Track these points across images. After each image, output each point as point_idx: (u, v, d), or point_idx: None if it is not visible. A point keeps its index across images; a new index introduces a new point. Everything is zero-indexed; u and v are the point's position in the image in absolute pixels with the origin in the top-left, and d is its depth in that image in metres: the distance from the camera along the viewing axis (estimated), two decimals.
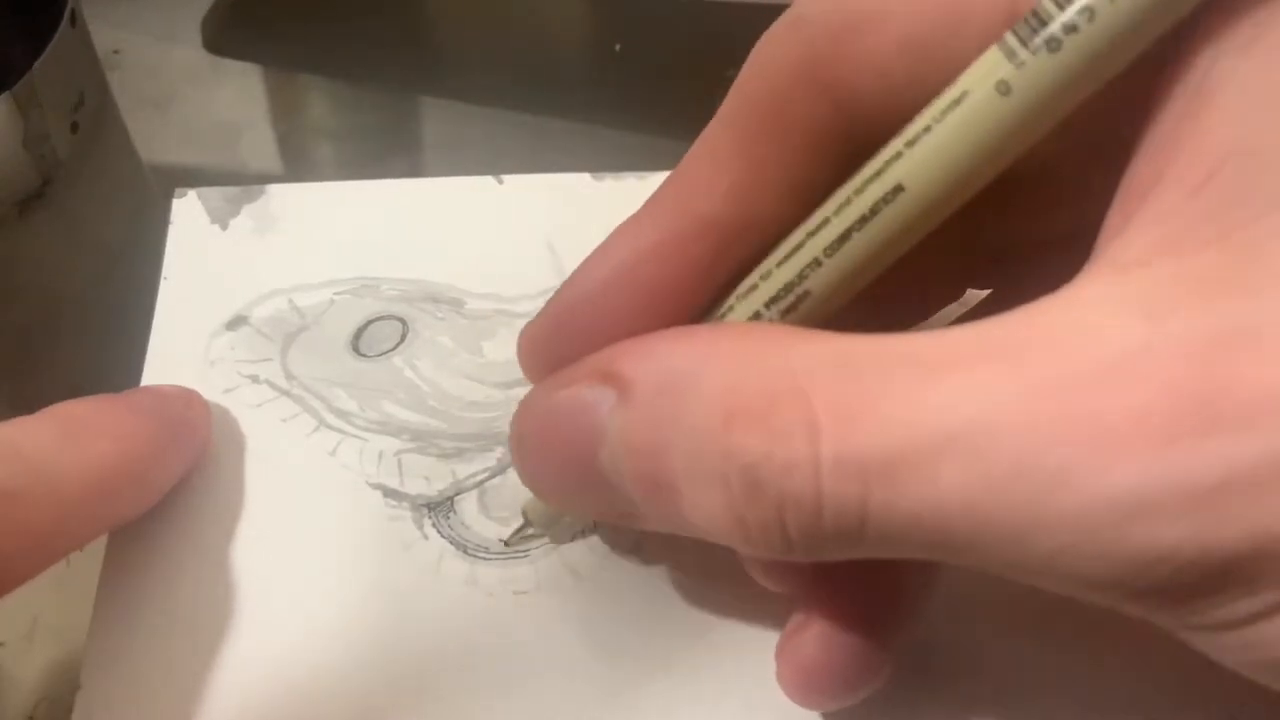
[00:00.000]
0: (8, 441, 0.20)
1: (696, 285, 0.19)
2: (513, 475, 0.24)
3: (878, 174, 0.17)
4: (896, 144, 0.17)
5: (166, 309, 0.26)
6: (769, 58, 0.19)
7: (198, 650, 0.22)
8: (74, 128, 0.34)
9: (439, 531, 0.23)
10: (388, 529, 0.23)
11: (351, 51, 0.41)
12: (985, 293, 0.23)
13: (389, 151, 0.40)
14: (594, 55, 0.41)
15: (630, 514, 0.18)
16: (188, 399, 0.24)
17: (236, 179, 0.38)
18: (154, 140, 0.38)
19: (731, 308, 0.19)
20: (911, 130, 0.16)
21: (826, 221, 0.18)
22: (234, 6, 0.42)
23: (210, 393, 0.25)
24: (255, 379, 0.25)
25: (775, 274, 0.18)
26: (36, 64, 0.31)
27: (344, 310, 0.26)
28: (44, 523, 0.20)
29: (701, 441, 0.16)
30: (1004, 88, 0.15)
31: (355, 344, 0.26)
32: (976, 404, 0.14)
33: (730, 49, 0.38)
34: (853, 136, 0.18)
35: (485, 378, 0.26)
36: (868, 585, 0.20)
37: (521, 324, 0.26)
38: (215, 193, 0.28)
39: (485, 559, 0.23)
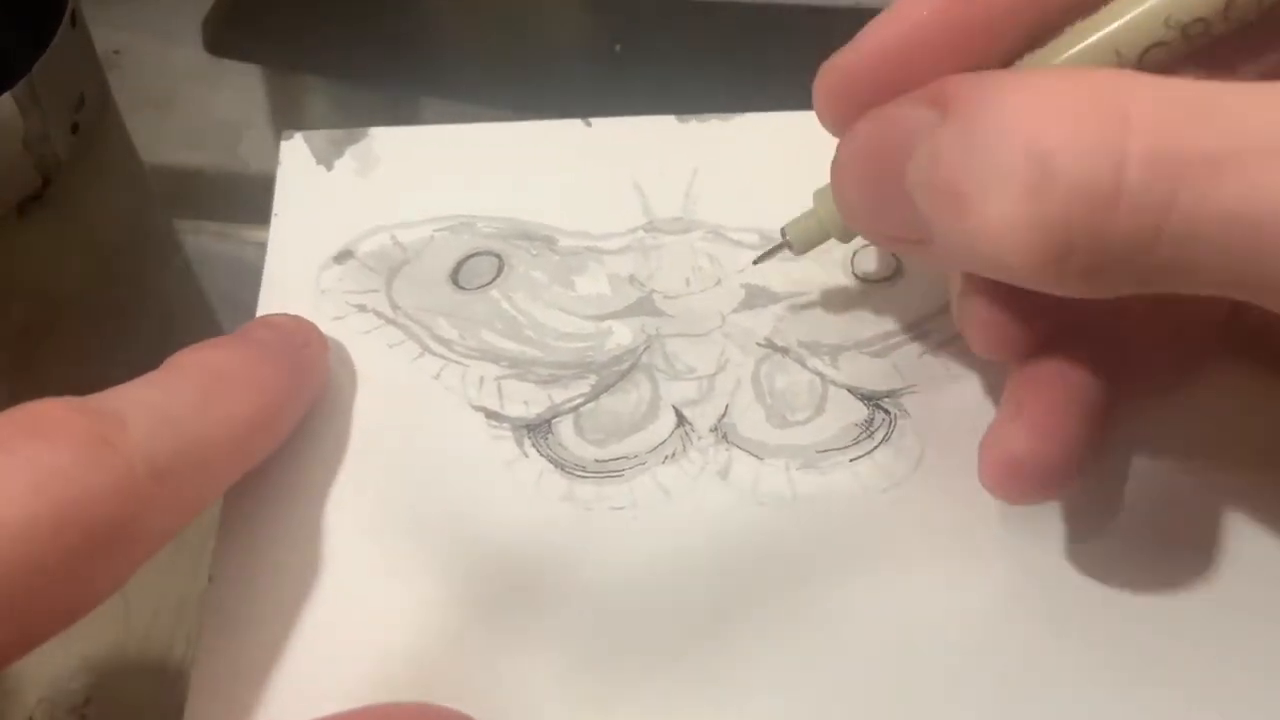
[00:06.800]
0: (156, 407, 0.19)
1: (1018, 21, 0.19)
2: (605, 401, 0.25)
3: None
4: None
5: (278, 243, 0.28)
6: None
7: (316, 565, 0.23)
8: (74, 128, 0.34)
9: (538, 450, 0.25)
10: (491, 447, 0.25)
11: (351, 51, 0.41)
12: None
13: None
14: (594, 55, 0.41)
15: (920, 239, 0.19)
16: (307, 335, 0.25)
17: (237, 179, 0.38)
18: (154, 140, 0.38)
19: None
20: None
21: None
22: (234, 6, 0.41)
23: (321, 320, 0.26)
24: (363, 308, 0.27)
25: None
26: (36, 64, 0.31)
27: (443, 246, 0.28)
28: (190, 495, 0.20)
29: (1004, 138, 0.16)
30: None
31: (455, 277, 0.27)
32: None
33: (730, 49, 0.38)
34: None
35: (577, 310, 0.27)
36: (1083, 372, 0.21)
37: (611, 260, 0.28)
38: (320, 135, 0.30)
39: (582, 477, 0.24)
